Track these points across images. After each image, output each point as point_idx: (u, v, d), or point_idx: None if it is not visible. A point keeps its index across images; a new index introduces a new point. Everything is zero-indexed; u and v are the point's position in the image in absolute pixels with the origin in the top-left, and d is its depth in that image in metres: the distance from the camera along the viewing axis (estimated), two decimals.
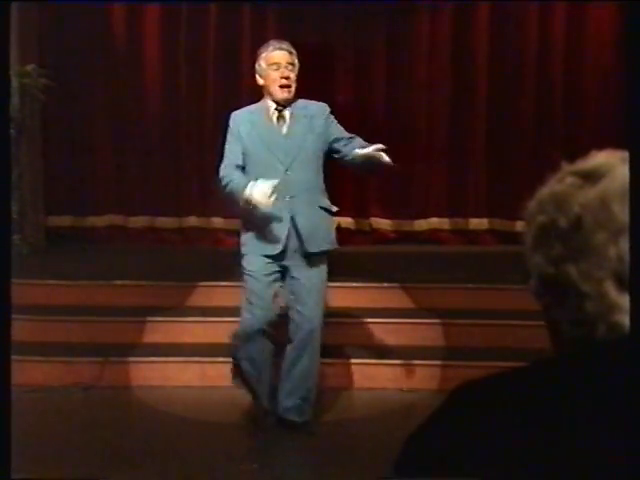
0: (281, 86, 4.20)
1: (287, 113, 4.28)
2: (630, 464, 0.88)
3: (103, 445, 4.23)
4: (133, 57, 7.44)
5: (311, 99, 4.38)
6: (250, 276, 4.24)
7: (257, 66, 4.27)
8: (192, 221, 7.48)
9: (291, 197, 4.17)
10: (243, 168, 4.22)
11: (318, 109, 4.32)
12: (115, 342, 5.28)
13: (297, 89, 4.29)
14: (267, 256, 4.20)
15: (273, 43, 4.29)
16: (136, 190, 7.51)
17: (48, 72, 6.50)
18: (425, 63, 7.33)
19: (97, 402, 4.88)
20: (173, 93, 7.45)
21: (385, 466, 1.00)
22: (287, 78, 4.20)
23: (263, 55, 4.25)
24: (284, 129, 4.27)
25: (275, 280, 4.25)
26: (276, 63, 4.20)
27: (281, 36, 7.20)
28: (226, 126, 4.31)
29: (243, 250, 4.28)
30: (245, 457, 4.12)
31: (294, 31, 7.24)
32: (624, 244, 0.94)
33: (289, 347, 4.30)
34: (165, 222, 7.50)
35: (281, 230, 4.19)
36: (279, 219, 4.17)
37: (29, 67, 6.47)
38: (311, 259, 4.24)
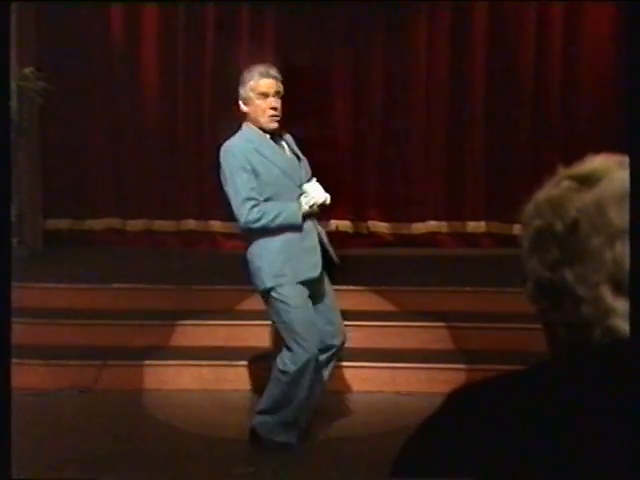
0: (270, 116, 4.08)
1: (279, 138, 4.21)
2: (629, 466, 0.88)
3: (99, 448, 4.22)
4: (131, 60, 7.44)
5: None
6: (295, 307, 4.07)
7: (241, 91, 4.09)
8: (190, 224, 7.47)
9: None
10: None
11: (291, 137, 4.29)
12: (113, 345, 5.27)
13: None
14: (304, 281, 4.10)
15: (259, 69, 4.09)
16: (134, 193, 7.51)
17: (46, 75, 6.49)
18: (423, 65, 7.33)
19: (94, 405, 4.88)
20: (171, 96, 7.45)
21: (382, 470, 1.00)
22: (275, 109, 4.06)
23: (251, 83, 4.05)
24: (286, 153, 4.20)
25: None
26: (264, 93, 4.04)
27: (280, 36, 7.30)
28: (218, 160, 4.09)
29: (279, 281, 4.07)
30: (242, 460, 4.12)
31: (292, 32, 7.26)
32: (620, 248, 0.94)
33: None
34: (163, 225, 7.50)
35: (317, 250, 4.16)
36: (313, 239, 4.16)
37: (27, 70, 6.46)
38: (324, 273, 4.23)
